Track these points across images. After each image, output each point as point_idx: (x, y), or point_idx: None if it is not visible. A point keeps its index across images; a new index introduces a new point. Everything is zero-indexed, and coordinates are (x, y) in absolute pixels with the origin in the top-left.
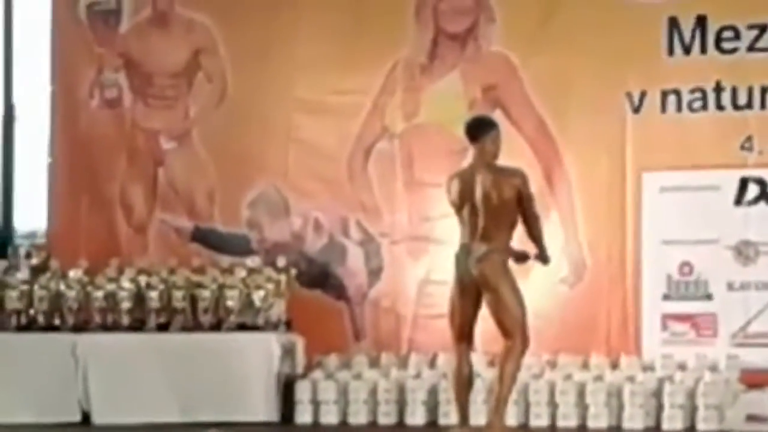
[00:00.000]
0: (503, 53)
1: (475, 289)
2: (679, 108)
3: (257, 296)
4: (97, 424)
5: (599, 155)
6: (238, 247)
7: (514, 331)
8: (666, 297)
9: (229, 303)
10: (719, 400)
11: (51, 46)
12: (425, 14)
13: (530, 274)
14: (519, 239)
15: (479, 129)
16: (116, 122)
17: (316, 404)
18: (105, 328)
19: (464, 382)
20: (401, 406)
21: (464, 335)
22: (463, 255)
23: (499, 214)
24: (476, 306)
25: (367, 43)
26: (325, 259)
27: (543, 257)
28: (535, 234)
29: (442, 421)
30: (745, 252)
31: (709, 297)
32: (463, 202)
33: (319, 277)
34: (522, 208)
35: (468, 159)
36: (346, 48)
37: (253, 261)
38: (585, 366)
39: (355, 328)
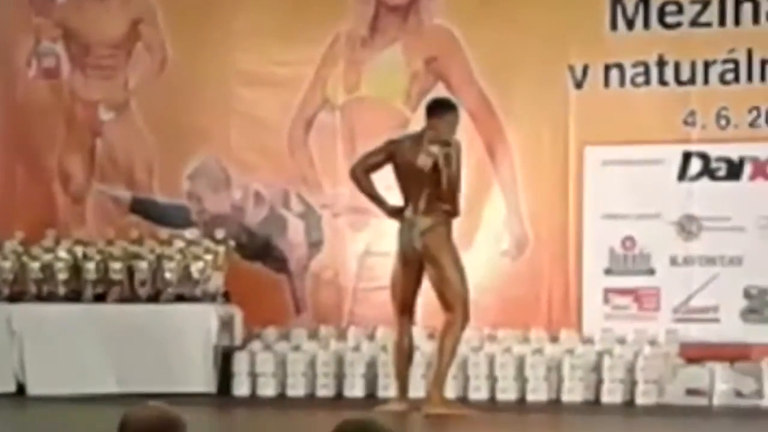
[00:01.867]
0: (445, 26)
1: (418, 262)
2: (622, 82)
3: (195, 268)
4: (32, 395)
5: (542, 129)
6: (177, 218)
7: (455, 304)
8: (608, 271)
9: (167, 275)
10: (658, 374)
11: None
12: None
13: (472, 247)
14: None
15: (438, 107)
16: (54, 92)
17: (253, 376)
18: (41, 299)
19: (404, 355)
20: (340, 378)
21: (406, 309)
22: (407, 228)
23: (439, 186)
24: (418, 279)
25: (308, 14)
26: (266, 232)
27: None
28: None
29: (381, 393)
30: (687, 227)
31: (651, 272)
32: (406, 173)
33: (259, 249)
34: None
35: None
36: (286, 19)
37: (191, 233)
38: (525, 339)
39: (295, 301)
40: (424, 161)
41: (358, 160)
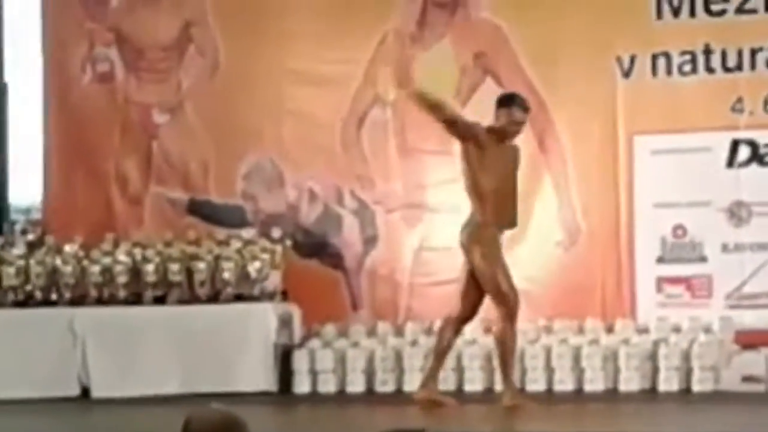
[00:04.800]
0: (492, 20)
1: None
2: (669, 71)
3: (253, 267)
4: (96, 397)
5: (590, 120)
6: (233, 218)
7: (494, 296)
8: (660, 260)
9: (226, 275)
10: (714, 361)
11: (41, 22)
12: None
13: (525, 240)
14: None
15: (499, 102)
16: (109, 97)
17: (313, 374)
18: (102, 302)
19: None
20: (399, 374)
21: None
22: None
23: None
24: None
25: (357, 13)
26: (321, 229)
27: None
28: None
29: (441, 387)
30: (738, 213)
31: (703, 259)
32: None
33: (315, 247)
34: None
35: None
36: (336, 19)
37: (248, 232)
38: (580, 330)
39: (352, 297)
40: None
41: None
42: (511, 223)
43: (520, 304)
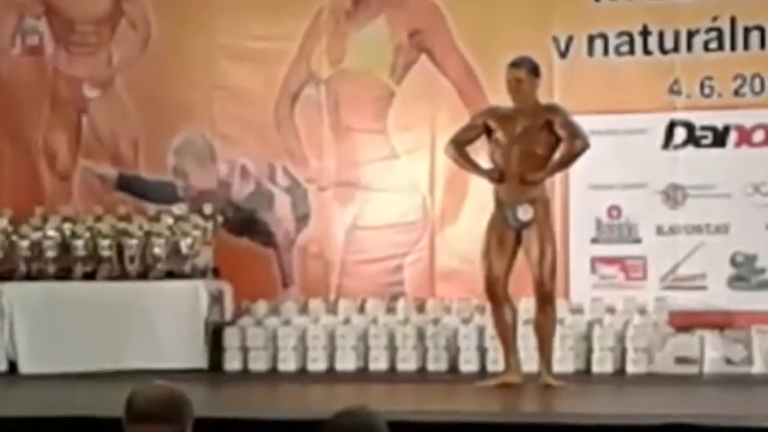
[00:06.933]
0: None
1: None
2: (606, 52)
3: (184, 244)
4: (24, 373)
5: None
6: (164, 194)
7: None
8: (594, 241)
9: (156, 251)
10: (648, 343)
11: None
12: None
13: (459, 219)
14: None
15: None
16: (38, 70)
17: (245, 351)
18: (30, 277)
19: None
20: (331, 351)
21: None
22: None
23: None
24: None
25: None
26: (252, 206)
27: None
28: None
29: (372, 366)
30: (673, 195)
31: (637, 241)
32: None
33: (246, 223)
34: None
35: (395, 104)
36: None
37: (179, 208)
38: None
39: (283, 275)
40: None
41: None
42: None
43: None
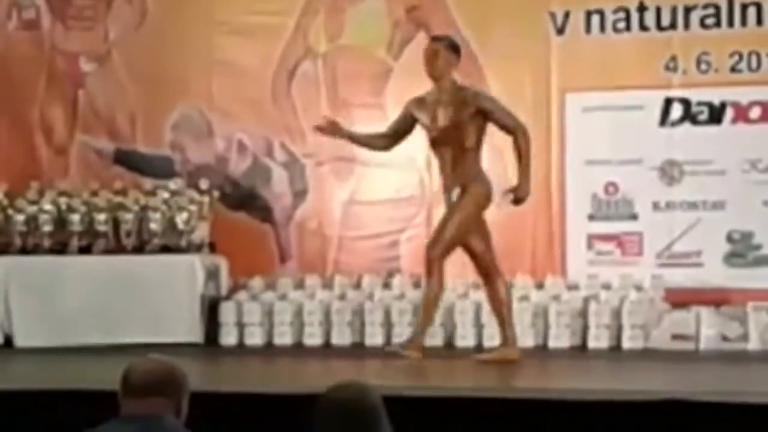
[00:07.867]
0: None
1: None
2: (602, 28)
3: (180, 218)
4: (19, 347)
5: (523, 76)
6: (161, 169)
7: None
8: (591, 217)
9: (152, 225)
10: (644, 319)
11: None
12: None
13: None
14: None
15: None
16: (35, 44)
17: (240, 326)
18: (26, 251)
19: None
20: (327, 327)
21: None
22: None
23: None
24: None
25: None
26: (250, 181)
27: None
28: None
29: (368, 341)
30: (669, 172)
31: (634, 217)
32: None
33: (243, 199)
34: None
35: (392, 80)
36: None
37: (175, 183)
38: (510, 287)
39: (280, 250)
40: None
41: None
42: None
43: None
